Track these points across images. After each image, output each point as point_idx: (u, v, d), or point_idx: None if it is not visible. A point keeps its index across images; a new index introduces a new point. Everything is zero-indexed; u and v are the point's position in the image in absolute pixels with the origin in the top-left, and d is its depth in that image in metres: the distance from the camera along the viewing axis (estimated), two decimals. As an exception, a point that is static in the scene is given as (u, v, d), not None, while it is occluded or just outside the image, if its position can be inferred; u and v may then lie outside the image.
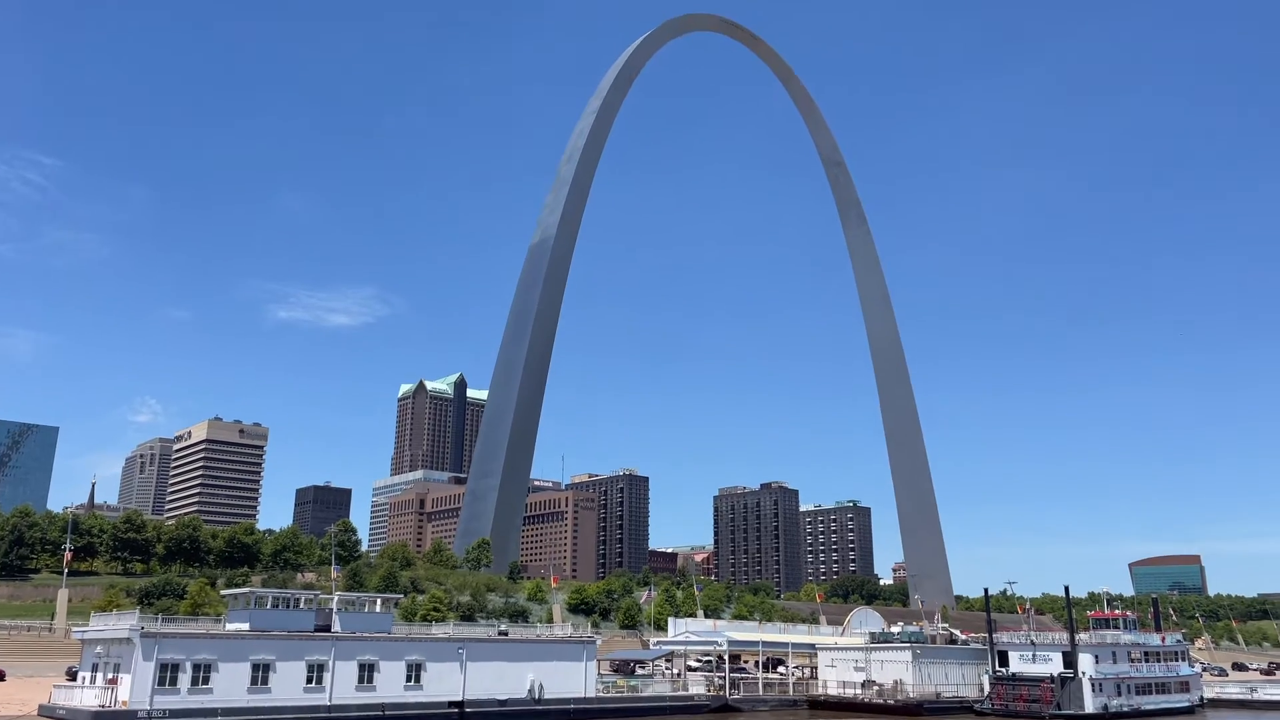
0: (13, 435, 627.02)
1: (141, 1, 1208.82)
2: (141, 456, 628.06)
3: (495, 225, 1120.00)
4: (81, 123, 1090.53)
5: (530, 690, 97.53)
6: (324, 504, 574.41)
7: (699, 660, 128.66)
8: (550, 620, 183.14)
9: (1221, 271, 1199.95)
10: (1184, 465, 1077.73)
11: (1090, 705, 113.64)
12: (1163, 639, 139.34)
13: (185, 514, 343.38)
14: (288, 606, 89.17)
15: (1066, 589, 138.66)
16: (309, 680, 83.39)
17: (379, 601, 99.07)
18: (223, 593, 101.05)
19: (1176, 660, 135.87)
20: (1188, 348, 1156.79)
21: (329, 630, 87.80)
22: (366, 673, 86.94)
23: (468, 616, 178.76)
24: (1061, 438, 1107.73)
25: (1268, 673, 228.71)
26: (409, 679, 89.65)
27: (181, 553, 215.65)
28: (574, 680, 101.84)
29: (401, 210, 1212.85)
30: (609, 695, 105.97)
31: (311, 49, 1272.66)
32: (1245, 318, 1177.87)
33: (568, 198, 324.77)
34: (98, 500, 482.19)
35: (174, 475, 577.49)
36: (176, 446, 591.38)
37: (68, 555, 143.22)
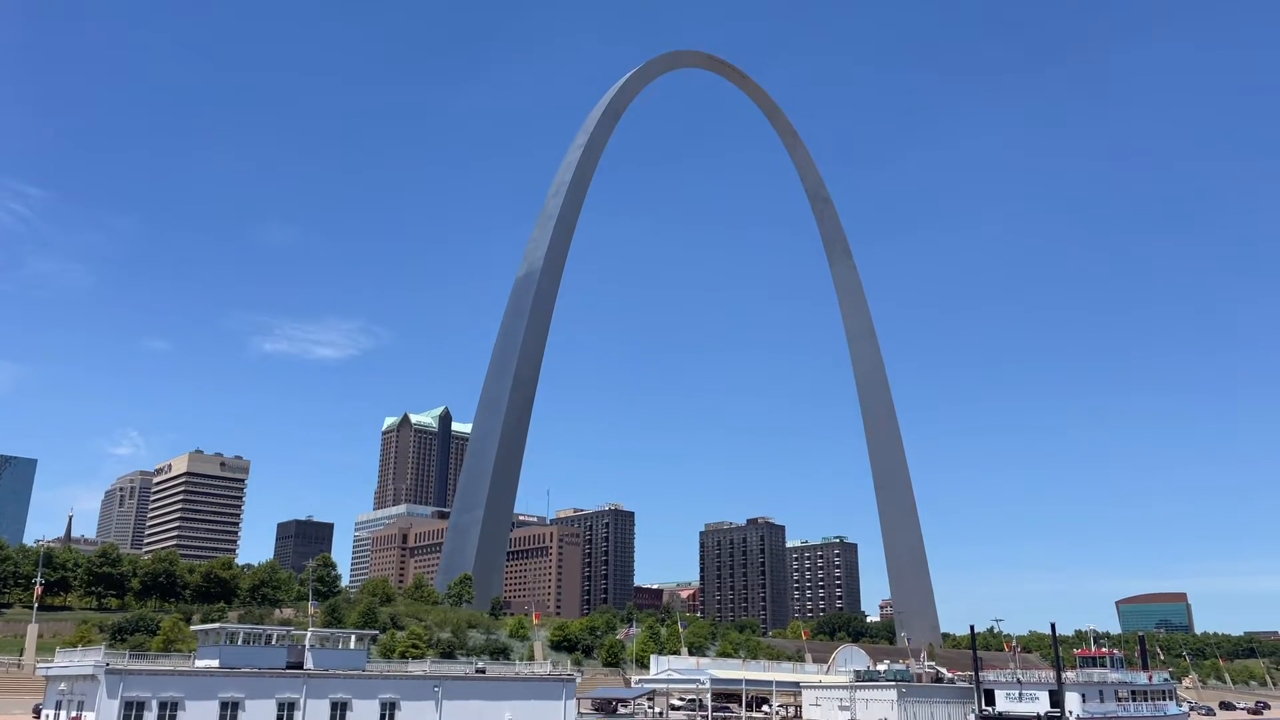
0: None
1: (127, 28, 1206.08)
2: (121, 489, 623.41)
3: (482, 258, 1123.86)
4: (67, 152, 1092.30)
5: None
6: (305, 538, 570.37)
7: (682, 699, 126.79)
8: (531, 657, 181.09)
9: (1207, 312, 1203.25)
10: (1171, 503, 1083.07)
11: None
12: (1150, 678, 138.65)
13: (164, 548, 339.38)
14: (260, 643, 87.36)
15: (1053, 626, 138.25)
16: (280, 717, 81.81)
17: (353, 638, 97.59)
18: (193, 628, 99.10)
19: (1164, 699, 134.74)
20: (1175, 388, 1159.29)
21: (301, 667, 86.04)
22: (339, 712, 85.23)
23: (448, 653, 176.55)
24: (1050, 476, 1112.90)
25: (1255, 712, 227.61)
26: (383, 718, 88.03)
27: (158, 588, 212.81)
28: (551, 718, 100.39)
29: (388, 243, 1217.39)
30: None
31: (299, 79, 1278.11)
32: (1231, 357, 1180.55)
33: (554, 232, 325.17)
34: (75, 534, 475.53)
35: (153, 509, 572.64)
36: (156, 479, 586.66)
37: (38, 590, 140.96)
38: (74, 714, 75.40)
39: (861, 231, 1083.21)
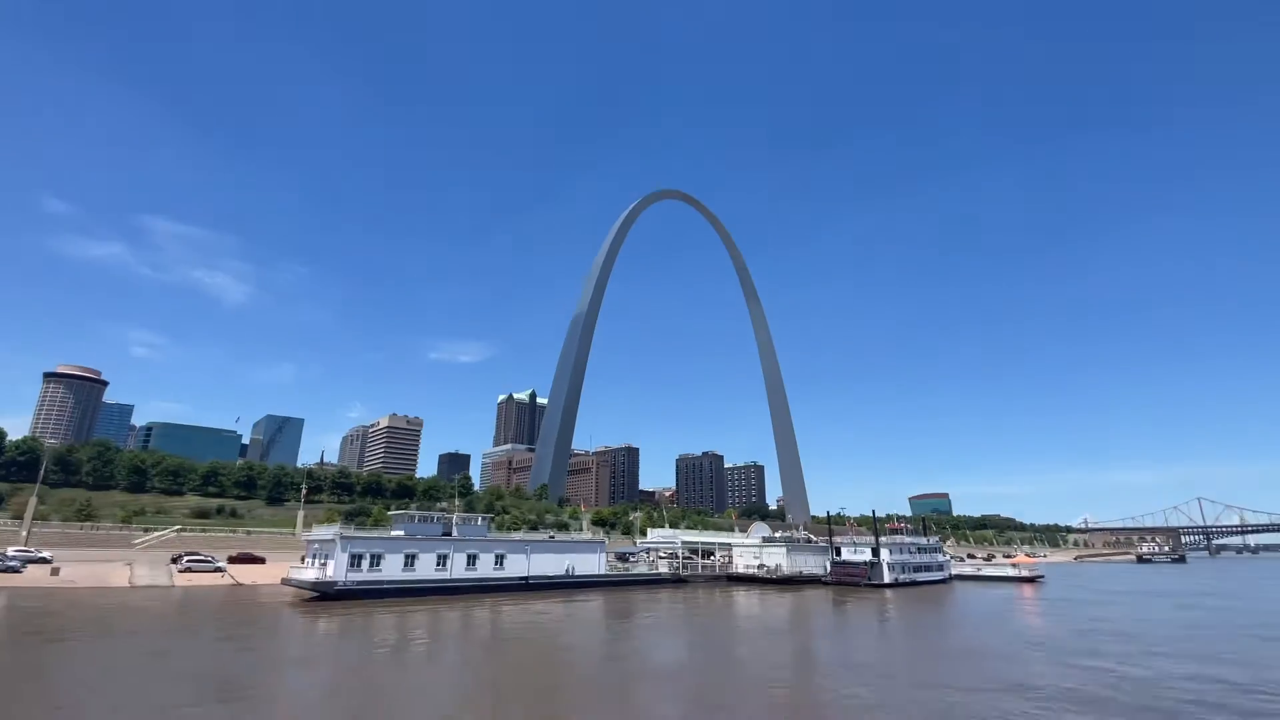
0: (278, 424, 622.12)
1: (348, 149, 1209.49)
2: (352, 435, 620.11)
3: (554, 303, 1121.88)
4: (318, 239, 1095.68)
5: (567, 570, 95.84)
6: (455, 464, 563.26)
7: (664, 555, 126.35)
8: (581, 530, 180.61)
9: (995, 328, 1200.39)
10: (940, 436, 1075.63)
11: (887, 578, 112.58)
12: (928, 540, 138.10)
13: (374, 469, 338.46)
14: (427, 521, 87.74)
15: (874, 512, 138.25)
16: (438, 564, 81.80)
17: (480, 519, 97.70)
18: (390, 514, 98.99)
19: (936, 553, 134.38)
20: (961, 363, 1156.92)
21: (450, 535, 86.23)
22: (472, 560, 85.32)
23: (534, 528, 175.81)
24: (873, 418, 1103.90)
25: (987, 559, 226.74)
26: (496, 563, 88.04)
27: (371, 491, 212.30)
28: (592, 564, 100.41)
29: (500, 294, 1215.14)
30: (613, 573, 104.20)
31: (441, 196, 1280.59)
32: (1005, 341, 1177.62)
33: (593, 289, 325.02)
34: (326, 461, 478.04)
35: (369, 446, 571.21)
36: (371, 430, 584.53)
37: (303, 491, 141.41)
38: (322, 562, 75.48)
39: (766, 288, 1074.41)
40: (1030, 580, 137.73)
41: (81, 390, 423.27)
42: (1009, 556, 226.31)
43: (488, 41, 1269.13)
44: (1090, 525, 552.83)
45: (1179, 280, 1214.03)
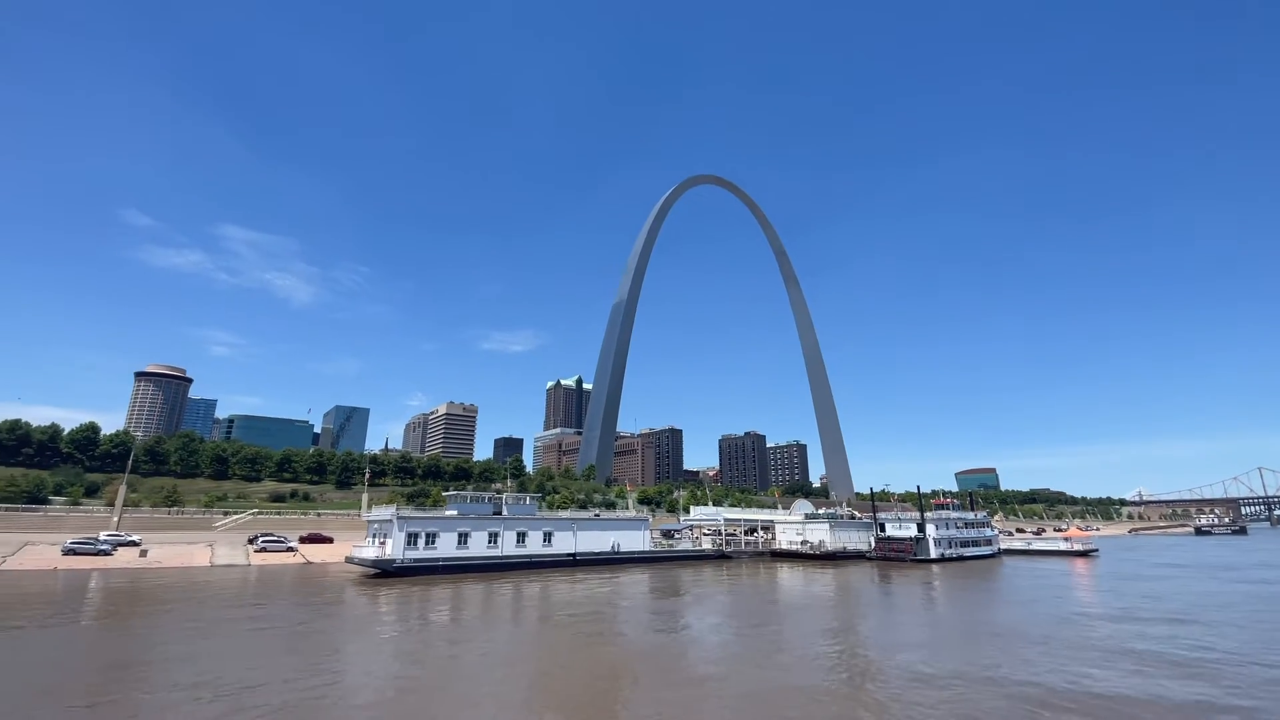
0: (347, 414, 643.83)
1: (407, 163, 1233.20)
2: (414, 423, 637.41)
3: (596, 292, 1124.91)
4: (376, 241, 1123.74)
5: (612, 546, 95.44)
6: (509, 447, 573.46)
7: (708, 532, 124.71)
8: (628, 509, 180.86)
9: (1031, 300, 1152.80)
10: (987, 412, 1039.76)
11: (934, 554, 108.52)
12: (976, 515, 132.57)
13: (434, 453, 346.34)
14: (478, 501, 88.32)
15: (919, 487, 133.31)
16: (490, 542, 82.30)
17: (529, 498, 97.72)
18: (444, 494, 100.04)
19: (983, 528, 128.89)
20: (987, 340, 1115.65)
21: (501, 514, 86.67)
22: (521, 538, 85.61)
23: (582, 506, 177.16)
24: (918, 395, 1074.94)
25: (1036, 533, 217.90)
26: (545, 541, 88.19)
27: (431, 474, 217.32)
28: (637, 541, 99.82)
29: (549, 288, 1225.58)
30: (657, 549, 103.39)
31: (495, 204, 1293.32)
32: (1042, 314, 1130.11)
33: (632, 277, 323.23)
34: (390, 447, 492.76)
35: (430, 432, 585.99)
36: (430, 417, 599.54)
37: (367, 475, 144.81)
38: (381, 540, 76.78)
39: (803, 267, 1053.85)
40: (1084, 554, 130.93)
41: (169, 387, 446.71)
42: (1060, 530, 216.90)
43: (525, 30, 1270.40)
44: (1145, 498, 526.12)
45: (1232, 246, 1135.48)
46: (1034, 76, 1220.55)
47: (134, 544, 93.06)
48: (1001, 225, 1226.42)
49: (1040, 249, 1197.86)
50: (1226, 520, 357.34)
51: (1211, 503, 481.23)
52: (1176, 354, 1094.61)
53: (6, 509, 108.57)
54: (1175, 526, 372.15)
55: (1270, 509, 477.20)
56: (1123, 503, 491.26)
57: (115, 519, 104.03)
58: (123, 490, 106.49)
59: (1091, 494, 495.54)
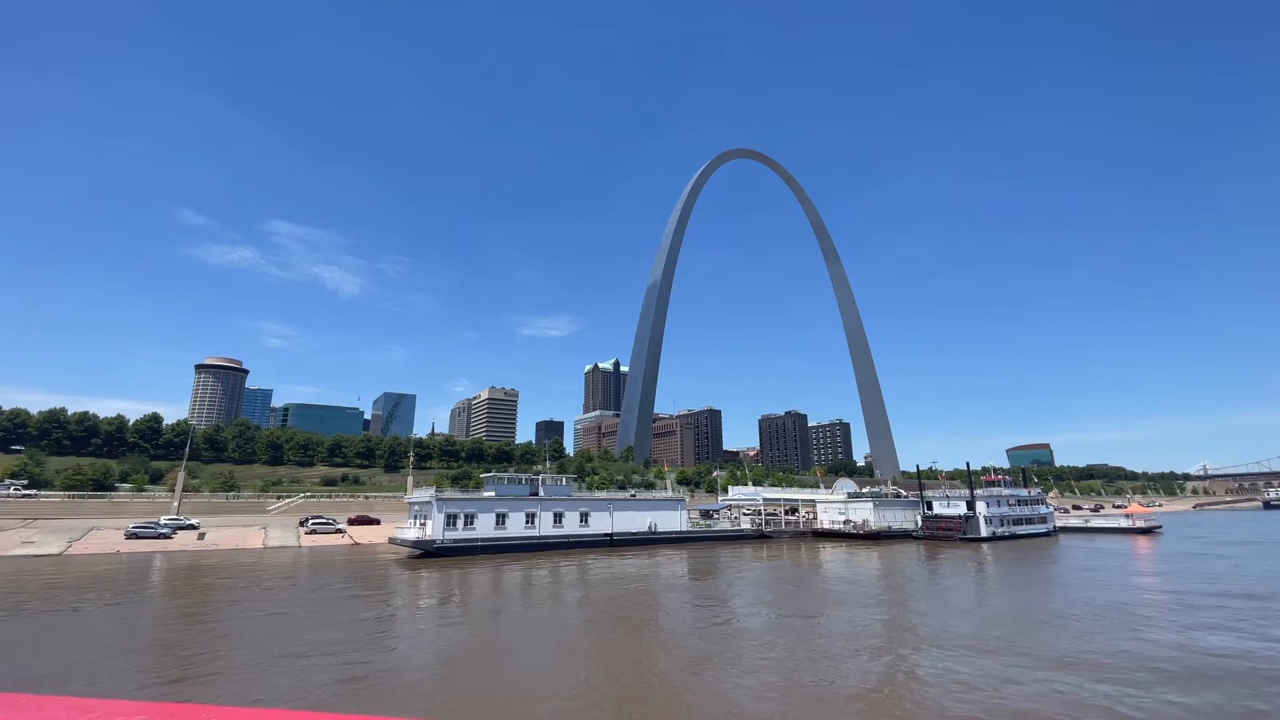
0: (395, 401, 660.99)
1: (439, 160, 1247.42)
2: (459, 408, 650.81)
3: (631, 274, 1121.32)
4: (418, 235, 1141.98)
5: (649, 527, 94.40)
6: (550, 430, 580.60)
7: (747, 512, 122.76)
8: (666, 489, 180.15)
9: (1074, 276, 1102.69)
10: (1040, 389, 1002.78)
11: (984, 532, 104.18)
12: (1029, 492, 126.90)
13: (477, 437, 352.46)
14: (516, 483, 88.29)
15: (968, 465, 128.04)
16: (527, 522, 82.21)
17: (565, 479, 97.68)
18: (482, 476, 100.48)
19: (1038, 505, 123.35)
20: (1043, 317, 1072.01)
21: (538, 495, 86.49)
22: (558, 518, 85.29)
23: (621, 487, 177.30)
24: (967, 371, 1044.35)
25: (1094, 510, 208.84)
26: (581, 521, 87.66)
27: (474, 457, 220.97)
28: (674, 521, 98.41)
29: (583, 271, 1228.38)
30: (695, 529, 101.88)
31: (531, 192, 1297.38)
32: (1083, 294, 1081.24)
33: (667, 257, 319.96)
34: (436, 431, 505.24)
35: (474, 417, 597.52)
36: (474, 402, 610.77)
37: (411, 458, 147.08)
38: (422, 522, 77.48)
39: (842, 244, 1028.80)
40: (1146, 531, 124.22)
41: (227, 379, 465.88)
42: (1119, 507, 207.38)
43: (557, 9, 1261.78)
44: (1209, 472, 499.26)
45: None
46: (1091, 36, 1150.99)
47: (193, 527, 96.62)
48: (1053, 193, 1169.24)
49: (1095, 218, 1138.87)
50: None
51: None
52: (1240, 319, 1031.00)
53: (73, 496, 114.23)
54: (1242, 501, 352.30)
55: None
56: (1186, 477, 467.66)
57: (175, 504, 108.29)
58: (181, 476, 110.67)
59: (1152, 469, 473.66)
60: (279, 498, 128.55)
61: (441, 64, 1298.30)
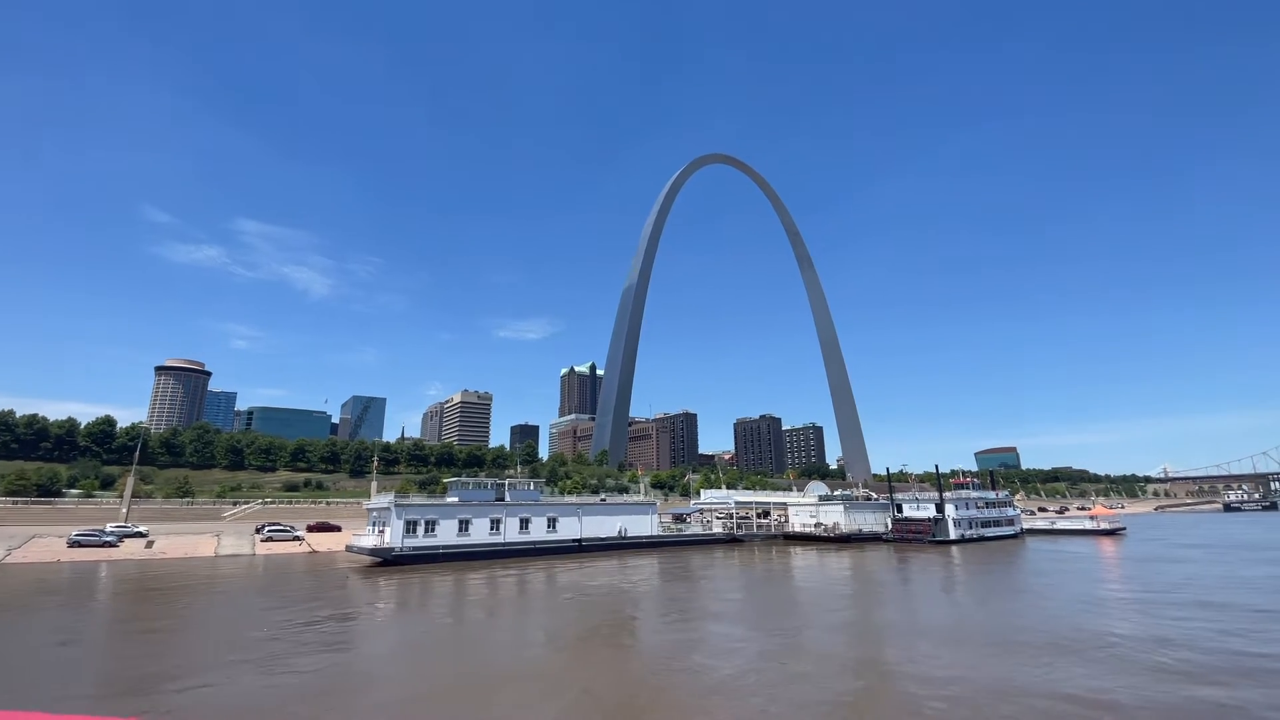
0: (364, 404, 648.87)
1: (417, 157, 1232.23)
2: (431, 412, 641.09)
3: (608, 276, 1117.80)
4: (389, 234, 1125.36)
5: (619, 531, 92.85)
6: (525, 434, 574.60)
7: (719, 516, 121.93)
8: (641, 493, 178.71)
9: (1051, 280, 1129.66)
10: (1007, 392, 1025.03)
11: (953, 535, 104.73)
12: (996, 494, 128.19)
13: (449, 441, 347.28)
14: (481, 488, 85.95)
15: (936, 467, 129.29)
16: (492, 528, 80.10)
17: (531, 483, 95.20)
18: (445, 481, 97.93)
19: (1005, 507, 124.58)
20: (1003, 315, 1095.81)
21: (503, 500, 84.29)
22: (524, 524, 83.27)
23: (595, 491, 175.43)
24: (934, 374, 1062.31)
25: (1059, 512, 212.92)
26: (549, 526, 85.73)
27: (444, 462, 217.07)
28: (645, 526, 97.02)
29: (561, 275, 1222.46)
30: (666, 534, 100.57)
31: (506, 193, 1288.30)
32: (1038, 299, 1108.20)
33: (642, 260, 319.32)
34: (407, 436, 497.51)
35: (446, 421, 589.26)
36: (446, 405, 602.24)
37: (375, 462, 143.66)
38: (380, 529, 74.97)
39: (819, 247, 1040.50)
40: (1110, 533, 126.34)
41: (189, 381, 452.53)
42: (1083, 509, 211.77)
43: (532, 8, 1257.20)
44: (1170, 475, 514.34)
45: (1257, 218, 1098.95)
46: (1064, 36, 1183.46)
47: (140, 535, 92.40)
48: (1019, 199, 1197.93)
49: (1060, 222, 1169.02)
50: (1256, 496, 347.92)
51: (1240, 478, 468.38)
52: (1202, 326, 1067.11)
53: (17, 502, 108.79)
54: (1203, 503, 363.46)
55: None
56: (1148, 480, 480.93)
57: (124, 510, 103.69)
58: (131, 481, 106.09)
59: (1115, 472, 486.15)
60: (235, 504, 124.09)
61: (415, 63, 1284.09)
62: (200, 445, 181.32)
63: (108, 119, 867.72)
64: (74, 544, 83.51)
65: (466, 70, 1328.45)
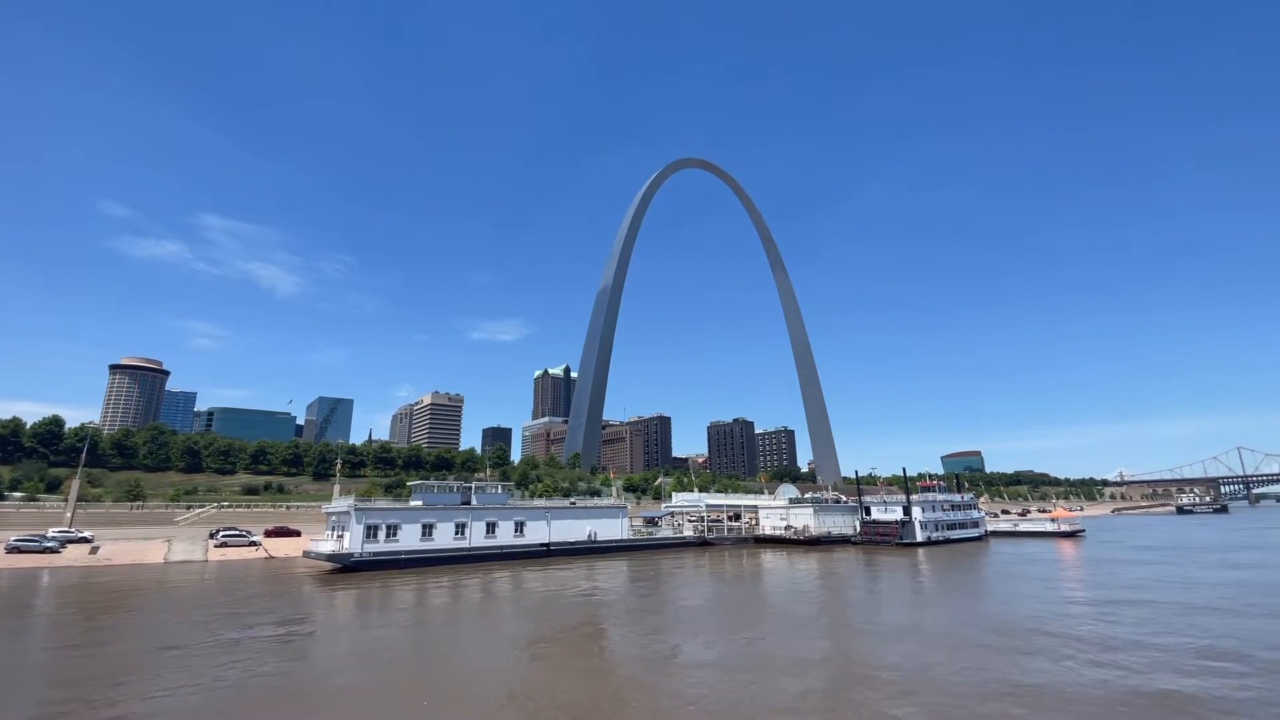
0: (331, 406, 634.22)
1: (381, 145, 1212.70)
2: (401, 414, 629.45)
3: (582, 279, 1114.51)
4: (362, 233, 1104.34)
5: (589, 535, 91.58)
6: (497, 437, 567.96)
7: (691, 519, 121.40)
8: (613, 496, 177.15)
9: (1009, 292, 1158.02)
10: (972, 398, 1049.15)
11: (919, 537, 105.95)
12: (961, 497, 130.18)
13: (417, 443, 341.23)
14: (445, 491, 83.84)
15: (904, 470, 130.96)
16: (457, 533, 78.18)
17: (499, 486, 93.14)
18: (409, 484, 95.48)
19: (970, 509, 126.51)
20: (971, 323, 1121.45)
21: (469, 504, 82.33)
22: (491, 528, 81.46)
23: (566, 495, 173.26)
24: (903, 379, 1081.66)
25: (1022, 514, 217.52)
26: (517, 530, 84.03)
27: (411, 464, 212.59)
28: (615, 529, 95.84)
29: (535, 275, 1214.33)
30: (636, 538, 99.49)
31: (483, 194, 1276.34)
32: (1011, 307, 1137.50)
33: (617, 264, 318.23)
34: (375, 438, 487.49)
35: (415, 423, 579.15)
36: (416, 407, 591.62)
37: (338, 465, 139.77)
38: (339, 534, 72.49)
39: (790, 253, 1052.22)
40: (1070, 535, 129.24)
41: (145, 380, 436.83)
42: (1044, 511, 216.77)
43: (509, 13, 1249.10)
44: (1126, 478, 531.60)
45: (1213, 229, 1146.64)
46: (1029, 53, 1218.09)
47: (85, 540, 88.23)
48: (986, 209, 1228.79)
49: (1024, 233, 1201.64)
50: (1207, 499, 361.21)
51: (1192, 482, 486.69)
52: (1157, 334, 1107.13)
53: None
54: (1157, 506, 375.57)
55: (1249, 488, 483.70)
56: (1105, 483, 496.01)
57: (68, 514, 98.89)
58: (76, 484, 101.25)
59: (1074, 475, 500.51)
60: (189, 508, 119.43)
61: (390, 58, 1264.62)
62: (155, 447, 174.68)
63: (62, 107, 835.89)
64: (12, 549, 79.51)
65: (443, 73, 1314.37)
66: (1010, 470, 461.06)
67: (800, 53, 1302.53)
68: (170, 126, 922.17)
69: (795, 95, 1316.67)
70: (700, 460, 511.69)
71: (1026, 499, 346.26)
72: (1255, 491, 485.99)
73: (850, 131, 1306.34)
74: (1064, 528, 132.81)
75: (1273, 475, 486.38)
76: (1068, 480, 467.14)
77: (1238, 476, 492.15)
